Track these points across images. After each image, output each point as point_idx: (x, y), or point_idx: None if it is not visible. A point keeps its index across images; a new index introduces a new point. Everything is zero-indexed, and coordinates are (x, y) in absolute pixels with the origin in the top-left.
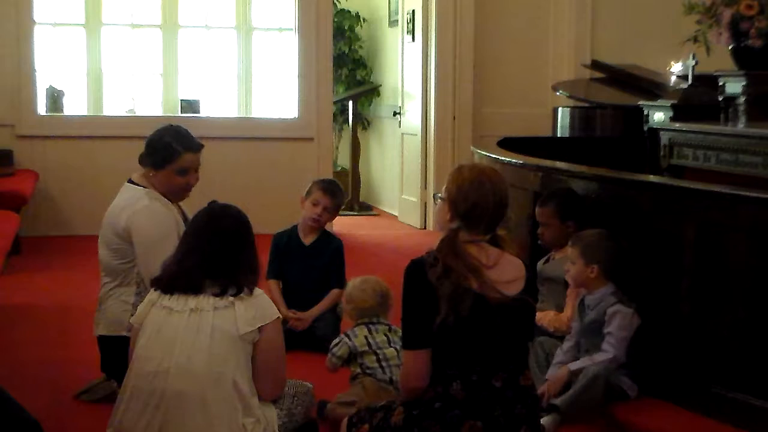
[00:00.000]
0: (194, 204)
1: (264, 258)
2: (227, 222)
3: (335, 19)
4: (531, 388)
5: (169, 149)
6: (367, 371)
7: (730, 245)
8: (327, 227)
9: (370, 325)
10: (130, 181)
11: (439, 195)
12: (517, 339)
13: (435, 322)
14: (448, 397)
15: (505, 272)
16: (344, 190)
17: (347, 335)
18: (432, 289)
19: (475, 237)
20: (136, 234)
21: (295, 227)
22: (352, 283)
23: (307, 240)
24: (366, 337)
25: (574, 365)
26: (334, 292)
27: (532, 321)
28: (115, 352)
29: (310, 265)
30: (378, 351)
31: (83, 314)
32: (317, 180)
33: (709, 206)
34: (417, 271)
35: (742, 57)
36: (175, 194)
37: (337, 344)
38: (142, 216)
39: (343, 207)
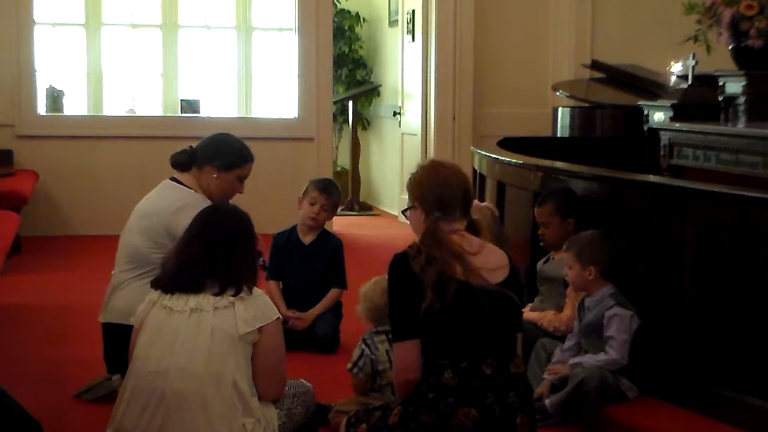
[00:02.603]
0: None
1: (264, 258)
2: (224, 220)
3: (335, 19)
4: (523, 375)
5: (241, 154)
6: (375, 388)
7: (730, 245)
8: (326, 227)
9: (390, 335)
10: (174, 180)
11: (406, 208)
12: (503, 325)
13: (420, 311)
14: (441, 386)
15: (489, 260)
16: (342, 190)
17: (367, 345)
18: (417, 279)
19: (454, 225)
20: None
21: (294, 227)
22: (368, 283)
23: (307, 240)
24: (387, 352)
25: (573, 360)
26: (334, 291)
27: (518, 311)
28: (120, 341)
29: (309, 265)
30: None
31: (83, 314)
32: (313, 180)
33: (709, 206)
34: (401, 263)
35: (742, 57)
36: (224, 197)
37: (360, 358)
38: None
39: (342, 207)
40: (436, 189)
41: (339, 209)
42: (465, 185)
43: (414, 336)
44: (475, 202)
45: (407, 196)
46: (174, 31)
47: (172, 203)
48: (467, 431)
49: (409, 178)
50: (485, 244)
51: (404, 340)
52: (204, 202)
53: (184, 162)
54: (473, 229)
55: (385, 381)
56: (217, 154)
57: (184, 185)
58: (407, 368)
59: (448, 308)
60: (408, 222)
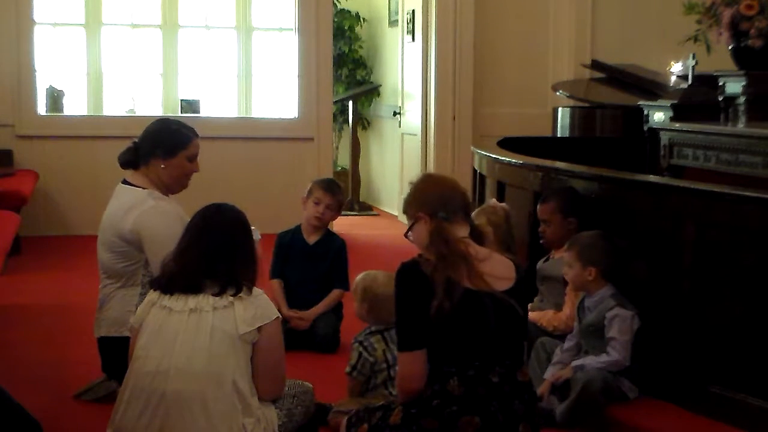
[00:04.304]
0: (195, 204)
1: (264, 258)
2: (223, 220)
3: (335, 19)
4: (529, 383)
5: (181, 135)
6: (369, 388)
7: (730, 245)
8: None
9: (386, 334)
10: (125, 182)
11: (408, 229)
12: (511, 333)
13: (431, 310)
14: (446, 393)
15: (496, 268)
16: (344, 190)
17: (364, 348)
18: (427, 282)
19: (457, 228)
20: (147, 235)
21: (298, 227)
22: (374, 276)
23: (311, 240)
24: (384, 351)
25: (575, 362)
26: (336, 292)
27: (522, 321)
28: (117, 352)
29: (313, 265)
30: (391, 369)
31: (83, 314)
32: (316, 180)
33: (709, 206)
34: (410, 269)
35: (742, 57)
36: (181, 183)
37: (358, 361)
38: (151, 216)
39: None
40: (436, 190)
41: None
42: (461, 190)
43: (420, 346)
44: (493, 200)
45: (407, 216)
46: (174, 31)
47: (119, 210)
48: None
49: (406, 197)
50: (492, 254)
51: (411, 350)
52: (151, 197)
53: (130, 160)
54: (478, 237)
55: (380, 380)
56: (157, 144)
57: (134, 185)
58: (412, 378)
59: (455, 314)
60: (413, 241)
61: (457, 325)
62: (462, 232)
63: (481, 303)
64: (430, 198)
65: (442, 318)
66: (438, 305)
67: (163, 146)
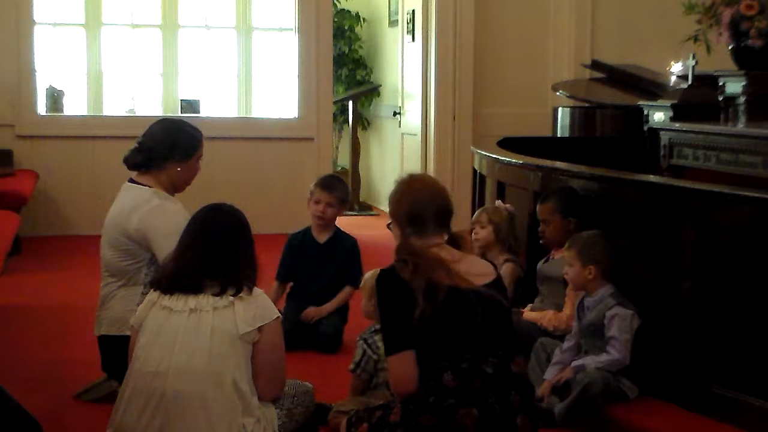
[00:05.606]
0: (195, 204)
1: (264, 258)
2: (222, 220)
3: (335, 19)
4: (524, 375)
5: (193, 138)
6: (371, 387)
7: (730, 245)
8: None
9: None
10: (132, 181)
11: (389, 222)
12: (498, 325)
13: (414, 317)
14: (441, 388)
15: (472, 267)
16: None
17: (369, 345)
18: (407, 287)
19: (428, 240)
20: (153, 233)
21: (309, 227)
22: (367, 275)
23: (322, 239)
24: None
25: (575, 362)
26: (348, 289)
27: (507, 313)
28: (117, 351)
29: (324, 263)
30: None
31: (83, 314)
32: (318, 178)
33: (709, 206)
34: (389, 274)
35: (742, 57)
36: (189, 183)
37: (362, 358)
38: (157, 215)
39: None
40: (406, 206)
41: None
42: (439, 200)
43: (408, 347)
44: (498, 202)
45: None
46: (174, 31)
47: (125, 208)
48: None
49: (390, 196)
50: (466, 255)
51: (399, 352)
52: (157, 196)
53: (140, 163)
54: (455, 243)
55: (381, 379)
56: (174, 148)
57: (142, 184)
58: (405, 380)
59: (441, 313)
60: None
61: (444, 324)
62: (435, 241)
63: (466, 299)
64: (400, 211)
65: (425, 323)
66: (420, 313)
67: (180, 150)
